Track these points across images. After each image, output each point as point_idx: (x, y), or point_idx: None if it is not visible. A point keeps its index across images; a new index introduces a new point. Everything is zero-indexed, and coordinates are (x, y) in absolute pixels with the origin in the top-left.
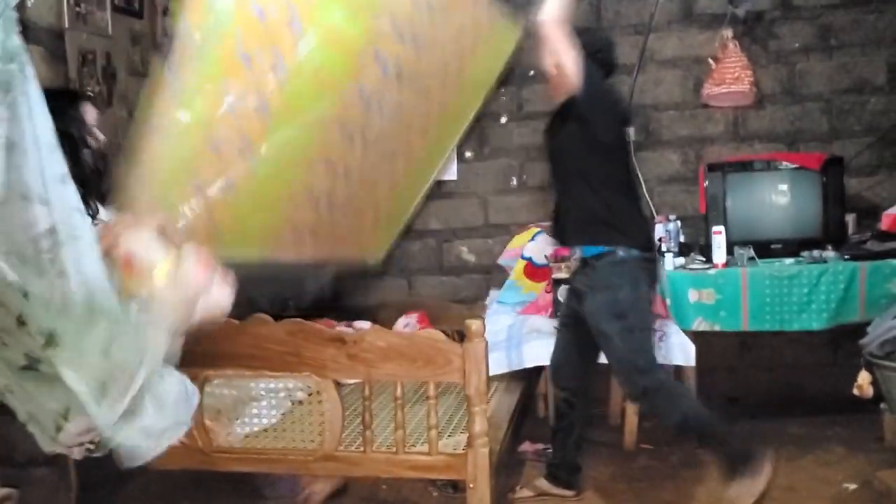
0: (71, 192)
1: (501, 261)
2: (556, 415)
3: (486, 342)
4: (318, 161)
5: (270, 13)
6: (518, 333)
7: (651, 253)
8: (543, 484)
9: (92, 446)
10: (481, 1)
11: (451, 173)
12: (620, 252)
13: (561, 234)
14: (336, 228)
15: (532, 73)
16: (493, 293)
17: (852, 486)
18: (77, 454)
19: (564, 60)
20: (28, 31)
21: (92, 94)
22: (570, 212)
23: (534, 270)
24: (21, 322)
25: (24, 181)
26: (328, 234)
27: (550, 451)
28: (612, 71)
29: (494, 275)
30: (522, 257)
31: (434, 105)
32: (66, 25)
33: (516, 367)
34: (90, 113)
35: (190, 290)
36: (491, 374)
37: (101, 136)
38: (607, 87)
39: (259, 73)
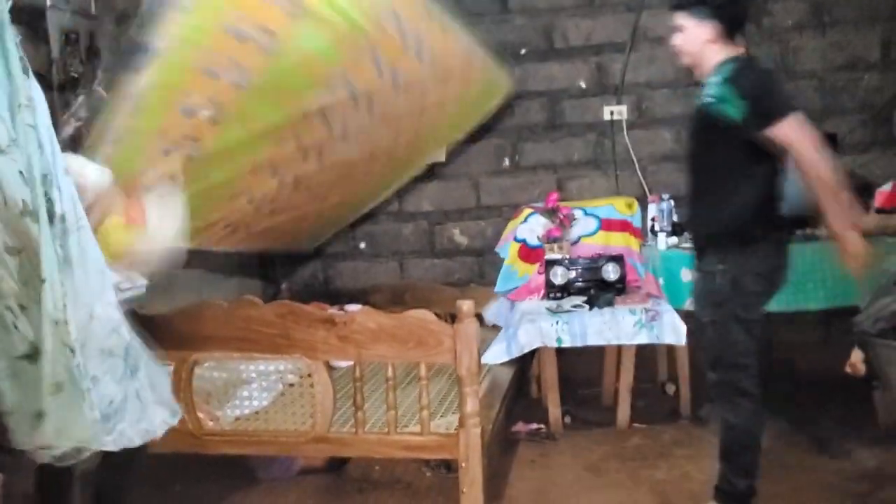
0: (70, 182)
1: (498, 249)
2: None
3: (478, 323)
4: (265, 167)
5: None
6: (512, 320)
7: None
8: None
9: (57, 453)
10: (476, 56)
11: (440, 156)
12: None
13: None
14: (272, 226)
15: (524, 52)
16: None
17: (844, 464)
18: (40, 458)
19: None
20: (9, 10)
21: (76, 75)
22: None
23: (528, 252)
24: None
25: (46, 165)
26: (261, 230)
27: (544, 430)
28: (745, 19)
29: (486, 257)
30: (515, 239)
31: (401, 137)
32: (49, 4)
33: (516, 355)
34: None
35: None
36: (493, 363)
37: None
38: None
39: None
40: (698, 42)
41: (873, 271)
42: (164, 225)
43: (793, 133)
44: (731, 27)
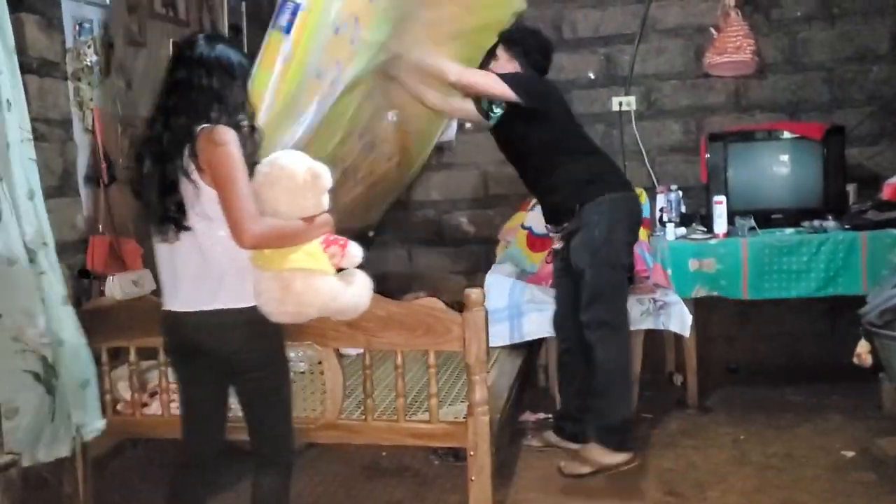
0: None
1: (505, 237)
2: (558, 366)
3: (486, 311)
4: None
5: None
6: (519, 302)
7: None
8: (551, 436)
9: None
10: None
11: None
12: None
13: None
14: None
15: None
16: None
17: (850, 454)
18: None
19: (494, 90)
20: None
21: (90, 64)
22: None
23: (534, 240)
24: None
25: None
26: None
27: (551, 419)
28: (546, 69)
29: (494, 246)
30: (522, 227)
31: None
32: None
33: (517, 341)
34: None
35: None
36: (492, 346)
37: None
38: (535, 80)
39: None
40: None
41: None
42: (363, 291)
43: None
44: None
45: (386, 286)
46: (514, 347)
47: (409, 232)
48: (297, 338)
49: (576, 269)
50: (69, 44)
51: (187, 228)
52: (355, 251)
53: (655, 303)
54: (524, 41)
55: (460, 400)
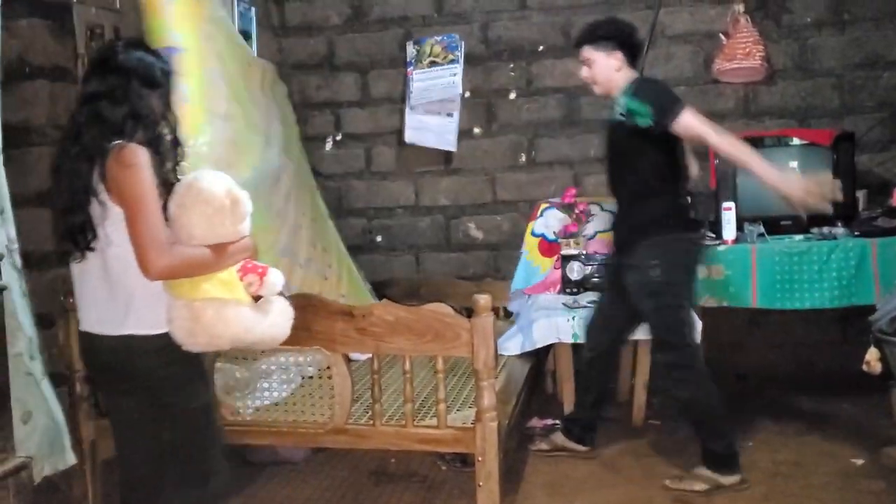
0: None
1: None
2: (579, 370)
3: (494, 317)
4: None
5: None
6: (528, 313)
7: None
8: (558, 438)
9: None
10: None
11: (451, 144)
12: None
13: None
14: None
15: (541, 48)
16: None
17: (859, 462)
18: None
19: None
20: (35, 5)
21: None
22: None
23: (548, 246)
24: None
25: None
26: None
27: (559, 425)
28: (638, 55)
29: (502, 252)
30: (533, 234)
31: None
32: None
33: (529, 349)
34: None
35: None
36: (506, 354)
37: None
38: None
39: None
40: (609, 71)
41: (834, 195)
42: (280, 321)
43: (692, 123)
44: (633, 55)
45: (393, 291)
46: (522, 353)
47: (416, 237)
48: (305, 342)
49: (635, 305)
50: (81, 49)
51: (91, 249)
52: (275, 279)
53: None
54: (614, 34)
55: (468, 405)
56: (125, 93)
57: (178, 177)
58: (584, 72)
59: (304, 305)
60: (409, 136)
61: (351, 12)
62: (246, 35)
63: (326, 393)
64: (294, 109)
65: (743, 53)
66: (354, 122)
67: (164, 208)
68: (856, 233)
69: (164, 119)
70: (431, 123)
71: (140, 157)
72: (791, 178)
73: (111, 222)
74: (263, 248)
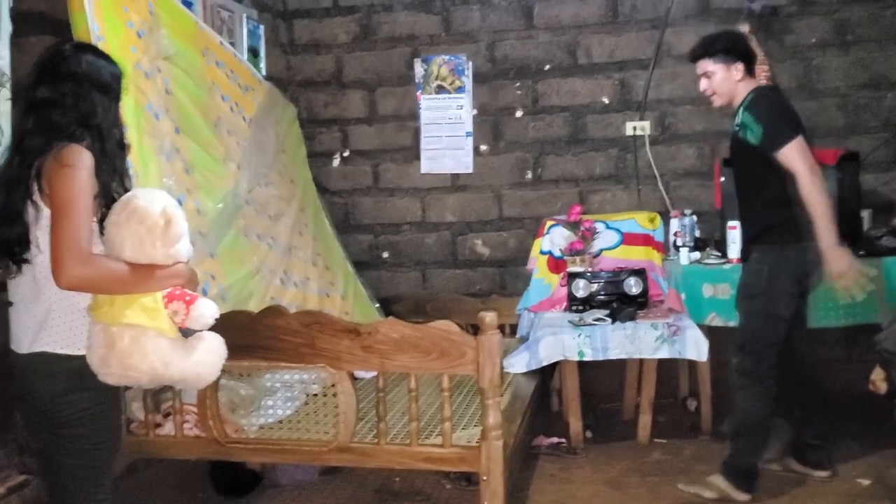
0: None
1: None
2: (778, 398)
3: (500, 335)
4: None
5: None
6: (534, 331)
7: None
8: (793, 464)
9: None
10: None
11: (467, 167)
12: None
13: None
14: None
15: (548, 67)
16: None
17: (865, 482)
18: None
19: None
20: (44, 21)
21: None
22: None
23: (556, 263)
24: None
25: None
26: None
27: (564, 444)
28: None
29: (508, 268)
30: (542, 252)
31: None
32: None
33: (535, 367)
34: None
35: None
36: (513, 372)
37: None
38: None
39: None
40: (730, 82)
41: (862, 290)
42: (208, 359)
43: (794, 158)
44: (750, 65)
45: (399, 308)
46: (528, 371)
47: (423, 253)
48: (310, 360)
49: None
50: None
51: (27, 261)
52: (205, 310)
53: (670, 327)
54: (733, 46)
55: (473, 424)
56: (76, 99)
57: (122, 190)
58: (703, 84)
59: (310, 323)
60: (426, 167)
61: (359, 30)
62: (254, 52)
63: (331, 411)
64: (301, 126)
65: None
66: (362, 139)
67: (101, 223)
68: (861, 252)
69: (114, 125)
70: (446, 150)
71: (82, 158)
72: (843, 253)
73: (41, 227)
74: (245, 271)
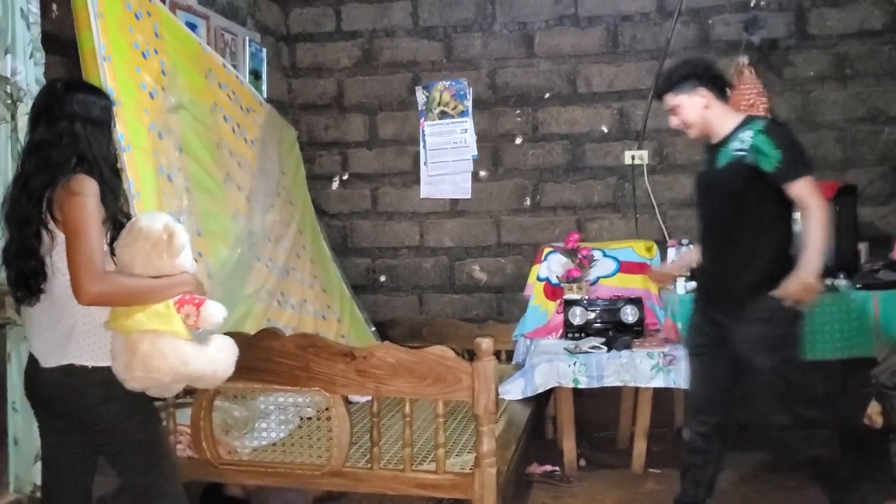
0: None
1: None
2: (688, 448)
3: (496, 362)
4: None
5: None
6: (530, 358)
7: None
8: None
9: None
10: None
11: (465, 192)
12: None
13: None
14: None
15: (547, 95)
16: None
17: None
18: None
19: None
20: (51, 41)
21: None
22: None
23: (553, 290)
24: None
25: None
26: None
27: (558, 472)
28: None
29: (505, 294)
30: (539, 279)
31: None
32: None
33: (530, 394)
34: None
35: None
36: (508, 398)
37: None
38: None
39: None
40: (698, 110)
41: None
42: (221, 356)
43: (811, 191)
44: (720, 89)
45: (395, 332)
46: (523, 398)
47: (420, 277)
48: (304, 383)
49: (746, 364)
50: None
51: (42, 291)
52: (214, 311)
53: (665, 357)
54: (690, 73)
55: (467, 450)
56: (71, 137)
57: (126, 213)
58: (674, 121)
59: (305, 346)
60: (425, 192)
61: (361, 55)
62: (256, 75)
63: (324, 435)
64: (302, 149)
65: (747, 105)
66: (361, 163)
67: (111, 245)
68: (857, 285)
69: (107, 153)
70: (446, 175)
71: (88, 187)
72: (816, 284)
73: (58, 251)
74: (248, 291)
